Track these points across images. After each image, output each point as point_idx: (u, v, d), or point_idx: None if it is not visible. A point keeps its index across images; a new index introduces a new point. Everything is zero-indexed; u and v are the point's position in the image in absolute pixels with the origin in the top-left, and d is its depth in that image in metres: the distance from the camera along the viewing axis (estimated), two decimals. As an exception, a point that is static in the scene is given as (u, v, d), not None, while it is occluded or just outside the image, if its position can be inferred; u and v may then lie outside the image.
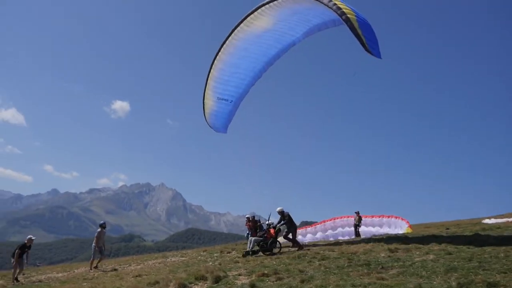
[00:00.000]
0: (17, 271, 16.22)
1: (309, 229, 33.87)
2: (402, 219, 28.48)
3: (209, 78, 17.04)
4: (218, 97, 17.06)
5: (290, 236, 17.38)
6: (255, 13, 15.37)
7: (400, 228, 27.48)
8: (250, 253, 16.24)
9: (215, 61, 16.97)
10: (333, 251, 14.46)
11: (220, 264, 14.46)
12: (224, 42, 16.71)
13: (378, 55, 12.50)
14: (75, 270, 19.17)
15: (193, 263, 16.45)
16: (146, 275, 14.15)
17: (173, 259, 19.83)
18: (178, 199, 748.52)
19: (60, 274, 18.05)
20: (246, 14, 15.74)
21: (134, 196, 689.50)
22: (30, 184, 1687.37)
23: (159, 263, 18.60)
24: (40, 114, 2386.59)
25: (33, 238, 17.07)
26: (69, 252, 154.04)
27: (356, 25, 12.25)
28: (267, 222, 17.00)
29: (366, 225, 30.08)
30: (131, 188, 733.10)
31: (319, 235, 32.43)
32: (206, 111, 17.57)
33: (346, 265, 11.07)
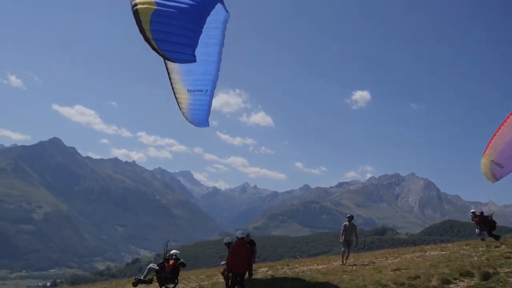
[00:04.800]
0: None
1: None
2: None
3: (169, 72, 15.07)
4: (188, 89, 15.39)
5: None
6: None
7: None
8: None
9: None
10: None
11: (487, 260, 13.47)
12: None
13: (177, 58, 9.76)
14: (334, 263, 20.30)
15: (455, 258, 15.71)
16: (405, 269, 14.18)
17: (432, 253, 19.27)
18: (431, 189, 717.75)
19: (320, 266, 19.40)
20: None
21: (383, 188, 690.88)
22: (284, 181, 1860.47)
23: (417, 257, 18.34)
24: (285, 114, 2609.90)
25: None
26: (324, 245, 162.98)
27: (147, 18, 9.13)
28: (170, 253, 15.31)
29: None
30: (379, 179, 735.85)
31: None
32: (181, 106, 16.08)
33: None
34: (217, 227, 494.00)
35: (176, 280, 14.99)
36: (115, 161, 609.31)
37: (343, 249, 19.00)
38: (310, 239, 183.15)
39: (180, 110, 16.02)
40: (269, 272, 18.52)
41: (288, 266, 20.37)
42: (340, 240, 19.11)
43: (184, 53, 9.59)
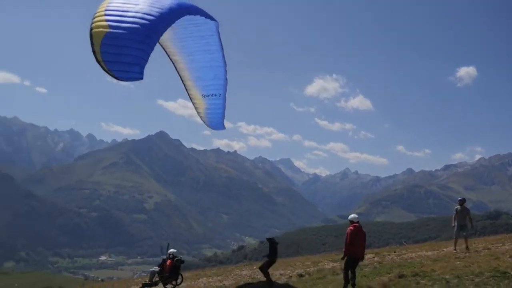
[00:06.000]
0: None
1: None
2: None
3: (183, 80, 16.20)
4: (203, 95, 16.21)
5: None
6: None
7: None
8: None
9: (174, 62, 15.96)
10: None
11: None
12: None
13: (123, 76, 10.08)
14: (444, 249, 19.52)
15: None
16: (526, 255, 13.25)
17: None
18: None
19: (429, 253, 18.74)
20: None
21: (495, 169, 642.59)
22: (386, 166, 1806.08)
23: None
24: (384, 96, 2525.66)
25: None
26: (431, 231, 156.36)
27: (98, 41, 9.76)
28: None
29: None
30: (490, 160, 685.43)
31: None
32: (199, 111, 16.80)
33: None
34: (319, 213, 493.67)
35: (179, 277, 15.96)
36: (218, 151, 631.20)
37: (455, 235, 18.17)
38: (416, 225, 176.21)
39: (198, 115, 17.00)
40: (376, 259, 18.28)
41: (395, 252, 19.97)
42: (452, 225, 18.25)
43: (131, 72, 10.16)
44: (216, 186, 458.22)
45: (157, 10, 10.85)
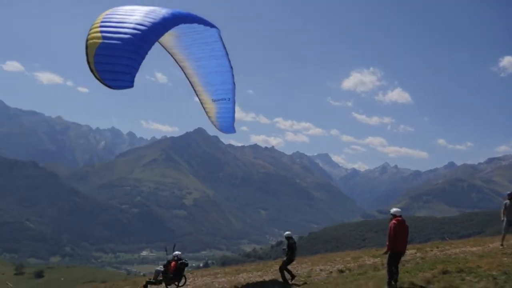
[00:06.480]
0: None
1: None
2: None
3: (193, 86, 16.90)
4: (213, 99, 16.87)
5: None
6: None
7: None
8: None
9: (182, 68, 16.66)
10: None
11: None
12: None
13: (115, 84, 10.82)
14: (490, 245, 18.99)
15: None
16: None
17: None
18: None
19: (474, 248, 18.28)
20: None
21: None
22: (426, 160, 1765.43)
23: None
24: (424, 88, 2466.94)
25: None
26: (475, 226, 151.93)
27: (93, 52, 10.60)
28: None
29: None
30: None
31: None
32: (210, 115, 17.52)
33: None
34: (358, 208, 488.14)
35: (182, 278, 16.46)
36: (255, 147, 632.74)
37: (504, 230, 17.59)
38: (459, 220, 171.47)
39: (209, 119, 17.75)
40: (418, 254, 17.97)
41: (437, 248, 19.56)
42: (502, 219, 17.65)
43: (122, 80, 10.88)
44: (254, 182, 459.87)
45: (150, 20, 11.57)
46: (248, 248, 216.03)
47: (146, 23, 11.42)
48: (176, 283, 16.41)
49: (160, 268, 16.63)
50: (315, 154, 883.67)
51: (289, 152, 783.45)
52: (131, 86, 11.02)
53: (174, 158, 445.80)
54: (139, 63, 11.23)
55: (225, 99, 16.88)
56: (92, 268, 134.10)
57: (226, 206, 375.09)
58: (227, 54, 16.03)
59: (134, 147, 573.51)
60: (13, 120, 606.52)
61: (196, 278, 19.35)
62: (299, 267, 18.77)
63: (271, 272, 18.66)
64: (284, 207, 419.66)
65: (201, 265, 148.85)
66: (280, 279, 15.71)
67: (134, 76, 11.07)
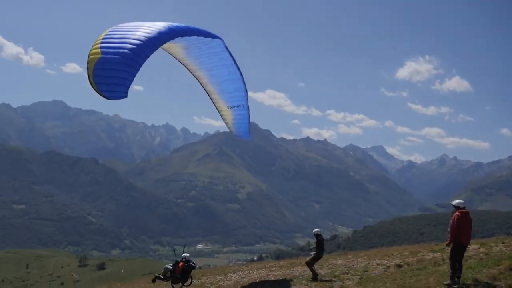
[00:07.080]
0: None
1: None
2: None
3: (208, 94, 17.79)
4: (228, 106, 17.72)
5: None
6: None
7: None
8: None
9: (197, 78, 17.56)
10: None
11: None
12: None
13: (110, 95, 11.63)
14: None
15: None
16: None
17: None
18: None
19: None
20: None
21: None
22: (488, 151, 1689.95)
23: None
24: (484, 75, 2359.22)
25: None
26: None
27: (92, 66, 11.55)
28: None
29: None
30: None
31: None
32: (226, 121, 18.44)
33: None
34: (415, 202, 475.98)
35: (188, 279, 16.84)
36: (307, 140, 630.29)
37: None
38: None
39: (226, 125, 18.74)
40: (481, 250, 17.20)
41: (503, 243, 18.61)
42: None
43: (117, 91, 11.72)
44: (307, 175, 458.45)
45: (145, 35, 12.53)
46: (302, 242, 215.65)
47: (142, 38, 12.42)
48: (181, 283, 17.02)
49: (169, 266, 17.24)
50: (369, 146, 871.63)
51: (342, 144, 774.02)
52: (125, 96, 11.89)
53: (227, 152, 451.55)
54: (134, 75, 12.15)
55: (240, 106, 17.73)
56: (150, 260, 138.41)
57: (279, 200, 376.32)
58: (235, 62, 16.75)
59: (188, 143, 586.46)
60: (74, 120, 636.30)
61: (251, 271, 19.43)
62: (354, 261, 18.45)
63: (326, 266, 18.41)
64: (338, 200, 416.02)
65: (255, 258, 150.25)
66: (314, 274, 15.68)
67: (128, 87, 11.96)
